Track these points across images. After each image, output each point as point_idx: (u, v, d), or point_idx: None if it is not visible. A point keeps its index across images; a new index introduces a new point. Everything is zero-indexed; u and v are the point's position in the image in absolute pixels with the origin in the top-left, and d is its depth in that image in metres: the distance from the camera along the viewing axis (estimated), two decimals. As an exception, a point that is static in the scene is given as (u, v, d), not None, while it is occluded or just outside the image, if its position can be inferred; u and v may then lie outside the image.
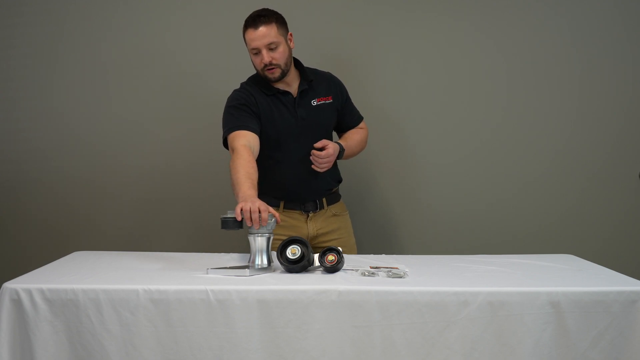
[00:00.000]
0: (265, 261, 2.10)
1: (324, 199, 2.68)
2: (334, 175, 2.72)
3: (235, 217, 2.06)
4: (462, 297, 1.84)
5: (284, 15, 2.53)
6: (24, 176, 3.20)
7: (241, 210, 2.06)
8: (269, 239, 2.11)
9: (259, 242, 2.10)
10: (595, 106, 3.20)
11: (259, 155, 2.48)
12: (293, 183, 2.61)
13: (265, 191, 2.58)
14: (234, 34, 3.14)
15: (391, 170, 3.23)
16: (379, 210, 3.23)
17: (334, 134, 2.78)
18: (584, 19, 3.18)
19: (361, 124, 2.80)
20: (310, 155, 2.53)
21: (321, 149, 2.53)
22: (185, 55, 3.18)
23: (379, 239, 3.22)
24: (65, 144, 3.20)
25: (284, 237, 2.53)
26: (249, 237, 2.11)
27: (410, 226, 3.25)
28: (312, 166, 2.55)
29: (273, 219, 2.11)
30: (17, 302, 1.83)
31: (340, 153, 2.61)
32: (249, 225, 2.07)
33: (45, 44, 3.17)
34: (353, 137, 2.73)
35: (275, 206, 2.60)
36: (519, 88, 3.20)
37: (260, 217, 2.06)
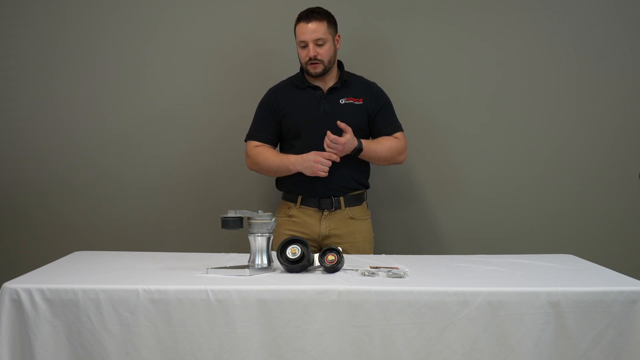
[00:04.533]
0: (265, 261, 2.10)
1: (342, 199, 2.68)
2: (355, 176, 2.71)
3: (235, 217, 2.08)
4: (462, 297, 1.84)
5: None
6: (23, 176, 3.20)
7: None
8: (269, 239, 2.11)
9: (259, 242, 2.10)
10: (595, 106, 3.20)
11: (281, 146, 2.72)
12: (310, 175, 2.61)
13: (283, 183, 2.70)
14: (233, 34, 3.16)
15: (390, 169, 3.23)
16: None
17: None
18: (585, 19, 3.18)
19: (397, 135, 2.77)
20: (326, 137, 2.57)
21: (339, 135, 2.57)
22: (188, 56, 3.18)
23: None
24: (65, 144, 3.19)
25: (295, 234, 2.60)
26: (249, 237, 2.11)
27: (401, 227, 3.24)
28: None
29: (273, 219, 2.11)
30: (17, 302, 1.83)
31: (357, 150, 2.62)
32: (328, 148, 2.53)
33: (45, 44, 3.17)
34: (382, 142, 2.72)
35: (293, 201, 2.70)
36: (519, 88, 3.20)
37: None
